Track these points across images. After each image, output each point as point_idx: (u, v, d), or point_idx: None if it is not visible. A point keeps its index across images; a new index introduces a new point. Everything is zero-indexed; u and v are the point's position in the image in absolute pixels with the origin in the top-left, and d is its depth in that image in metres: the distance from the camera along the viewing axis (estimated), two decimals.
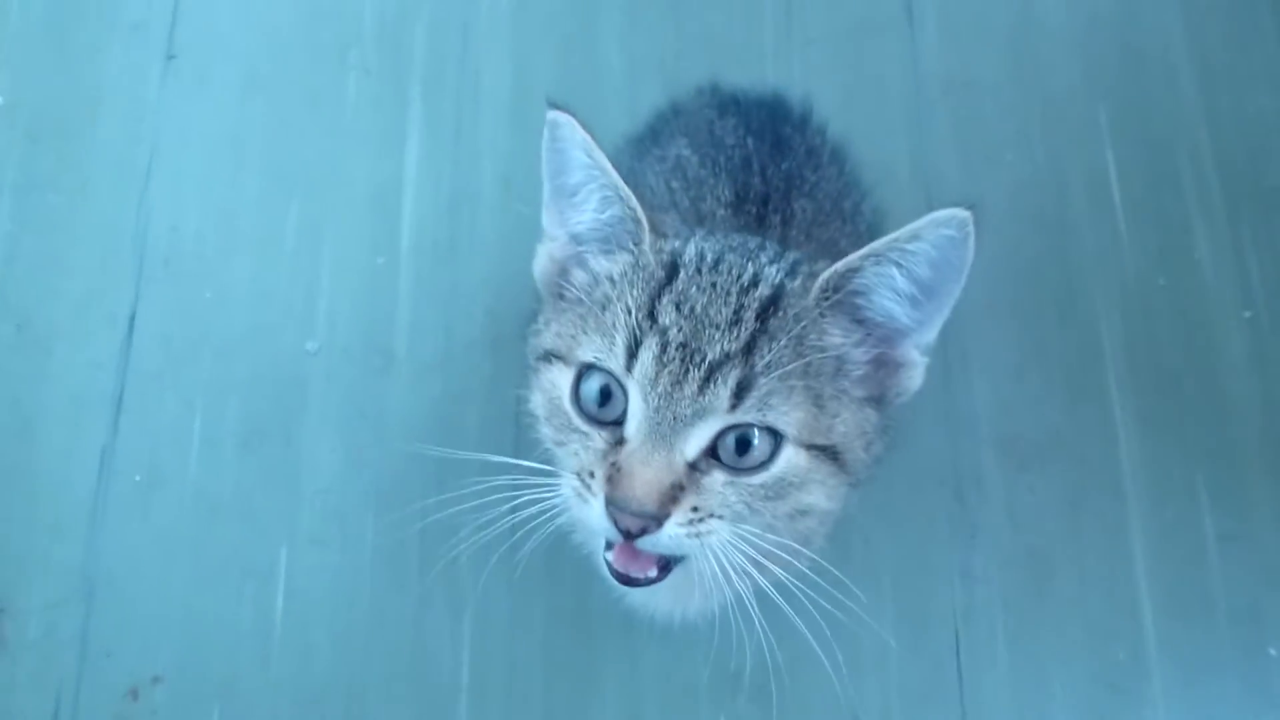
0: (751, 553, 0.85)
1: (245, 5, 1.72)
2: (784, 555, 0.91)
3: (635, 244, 0.90)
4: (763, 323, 0.83)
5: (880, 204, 1.32)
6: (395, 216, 1.60)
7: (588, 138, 0.87)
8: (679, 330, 0.83)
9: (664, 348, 0.82)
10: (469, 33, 1.70)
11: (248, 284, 1.56)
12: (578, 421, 0.87)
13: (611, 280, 0.89)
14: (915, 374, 0.90)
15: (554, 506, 0.90)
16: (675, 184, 1.17)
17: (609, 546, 0.90)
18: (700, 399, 0.81)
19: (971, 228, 0.81)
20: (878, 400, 0.90)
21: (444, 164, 1.63)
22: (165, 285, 1.56)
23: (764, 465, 0.84)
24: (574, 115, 0.88)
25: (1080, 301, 1.61)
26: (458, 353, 1.53)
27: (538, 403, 0.92)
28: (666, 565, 0.89)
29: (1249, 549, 1.50)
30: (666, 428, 0.82)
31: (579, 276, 0.93)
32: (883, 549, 1.47)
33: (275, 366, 1.52)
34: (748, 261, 0.88)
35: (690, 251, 0.88)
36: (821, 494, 0.88)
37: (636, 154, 1.28)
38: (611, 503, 0.82)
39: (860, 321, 0.87)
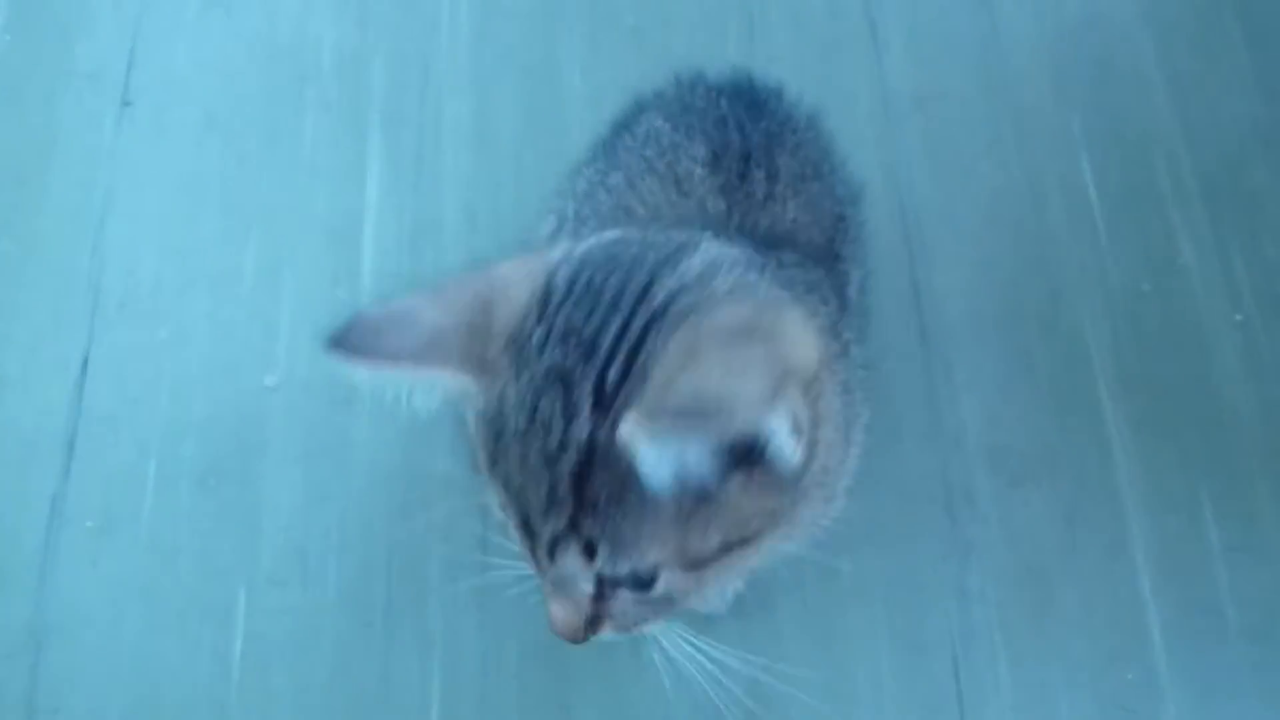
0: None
1: (202, 48, 1.70)
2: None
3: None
4: (579, 495, 0.74)
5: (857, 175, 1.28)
6: (356, 249, 1.56)
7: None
8: (514, 512, 0.79)
9: (515, 526, 0.80)
10: (429, 65, 1.68)
11: (205, 322, 1.52)
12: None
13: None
14: (781, 447, 0.74)
15: None
16: (649, 153, 1.12)
17: None
18: (558, 566, 0.79)
19: None
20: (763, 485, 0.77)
21: (405, 195, 1.60)
22: (120, 328, 1.51)
23: (652, 587, 0.80)
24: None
25: (1064, 311, 1.57)
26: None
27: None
28: None
29: (1258, 560, 1.43)
30: (550, 584, 0.82)
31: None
32: (872, 570, 1.41)
33: (234, 404, 1.47)
34: (554, 413, 0.75)
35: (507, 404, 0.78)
36: (750, 561, 0.85)
37: (606, 151, 1.24)
38: (550, 624, 0.85)
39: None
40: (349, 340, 0.77)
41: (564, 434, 0.73)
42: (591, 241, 0.84)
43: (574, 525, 0.75)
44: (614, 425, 0.71)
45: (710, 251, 0.82)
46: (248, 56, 1.69)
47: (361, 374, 0.79)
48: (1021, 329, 1.55)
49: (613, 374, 0.73)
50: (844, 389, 0.95)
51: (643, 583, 0.79)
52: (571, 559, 0.77)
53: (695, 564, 0.78)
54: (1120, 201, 1.63)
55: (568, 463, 0.73)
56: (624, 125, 1.25)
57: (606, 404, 0.73)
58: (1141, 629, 1.41)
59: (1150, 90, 1.70)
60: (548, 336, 0.76)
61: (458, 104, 1.66)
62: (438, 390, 0.81)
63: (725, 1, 1.73)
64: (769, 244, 0.99)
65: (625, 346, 0.74)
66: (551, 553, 0.77)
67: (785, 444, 0.73)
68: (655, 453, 0.68)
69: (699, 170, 1.08)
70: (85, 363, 1.49)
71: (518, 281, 0.81)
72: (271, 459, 1.45)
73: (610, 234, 0.86)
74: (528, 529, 0.78)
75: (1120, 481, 1.47)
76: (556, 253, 0.83)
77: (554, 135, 1.60)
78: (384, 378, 0.79)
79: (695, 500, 0.74)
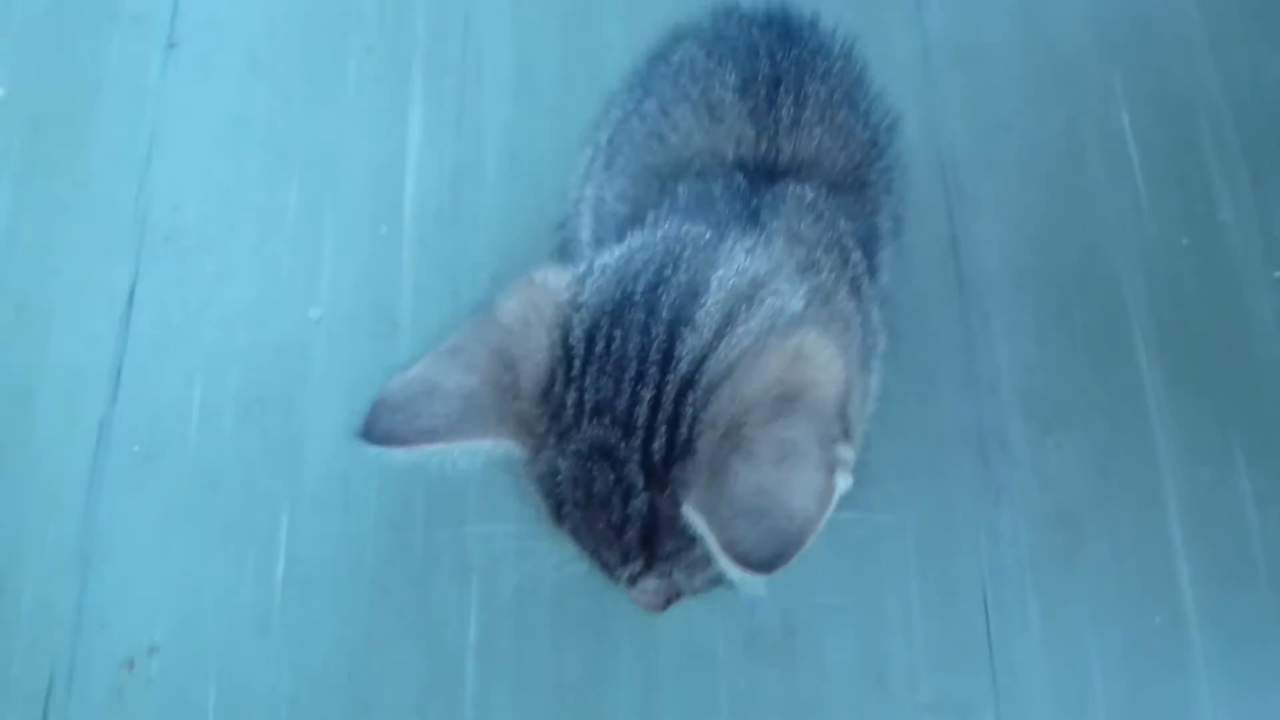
0: None
1: None
2: None
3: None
4: (650, 550, 0.79)
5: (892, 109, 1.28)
6: (398, 188, 1.58)
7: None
8: (589, 556, 0.83)
9: (574, 531, 0.82)
10: (471, 11, 1.70)
11: (249, 256, 1.54)
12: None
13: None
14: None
15: None
16: (683, 80, 1.13)
17: None
18: (627, 566, 0.82)
19: None
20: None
21: (447, 139, 1.61)
22: (166, 261, 1.54)
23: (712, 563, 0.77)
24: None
25: (1101, 264, 1.57)
26: (463, 319, 1.48)
27: None
28: None
29: None
30: (623, 583, 0.85)
31: None
32: (905, 508, 1.42)
33: (277, 335, 1.49)
34: (611, 498, 0.77)
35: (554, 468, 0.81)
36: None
37: (641, 80, 1.25)
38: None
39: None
40: (380, 429, 0.77)
41: (624, 509, 0.77)
42: (596, 277, 0.84)
43: (649, 567, 0.80)
44: (672, 499, 0.74)
45: (726, 282, 0.81)
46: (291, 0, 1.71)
47: (401, 458, 0.78)
48: (1058, 280, 1.56)
49: (657, 449, 0.75)
50: (864, 321, 0.97)
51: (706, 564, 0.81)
52: (650, 584, 0.83)
53: None
54: (1160, 157, 1.63)
55: (633, 530, 0.77)
56: (660, 55, 1.26)
57: (659, 479, 0.75)
58: (1171, 575, 1.41)
59: (1193, 47, 1.70)
60: (580, 406, 0.77)
61: (499, 51, 1.68)
62: (481, 454, 0.81)
63: None
64: (793, 170, 1.03)
65: (663, 420, 0.75)
66: (631, 582, 0.83)
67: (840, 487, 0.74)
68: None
69: (729, 96, 1.09)
70: (132, 295, 1.52)
71: (531, 331, 0.82)
72: (315, 388, 1.47)
73: (612, 259, 0.86)
74: (604, 569, 0.83)
75: (1154, 431, 1.48)
76: (562, 288, 0.85)
77: (593, 82, 1.60)
78: (425, 455, 0.78)
79: None
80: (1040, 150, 1.63)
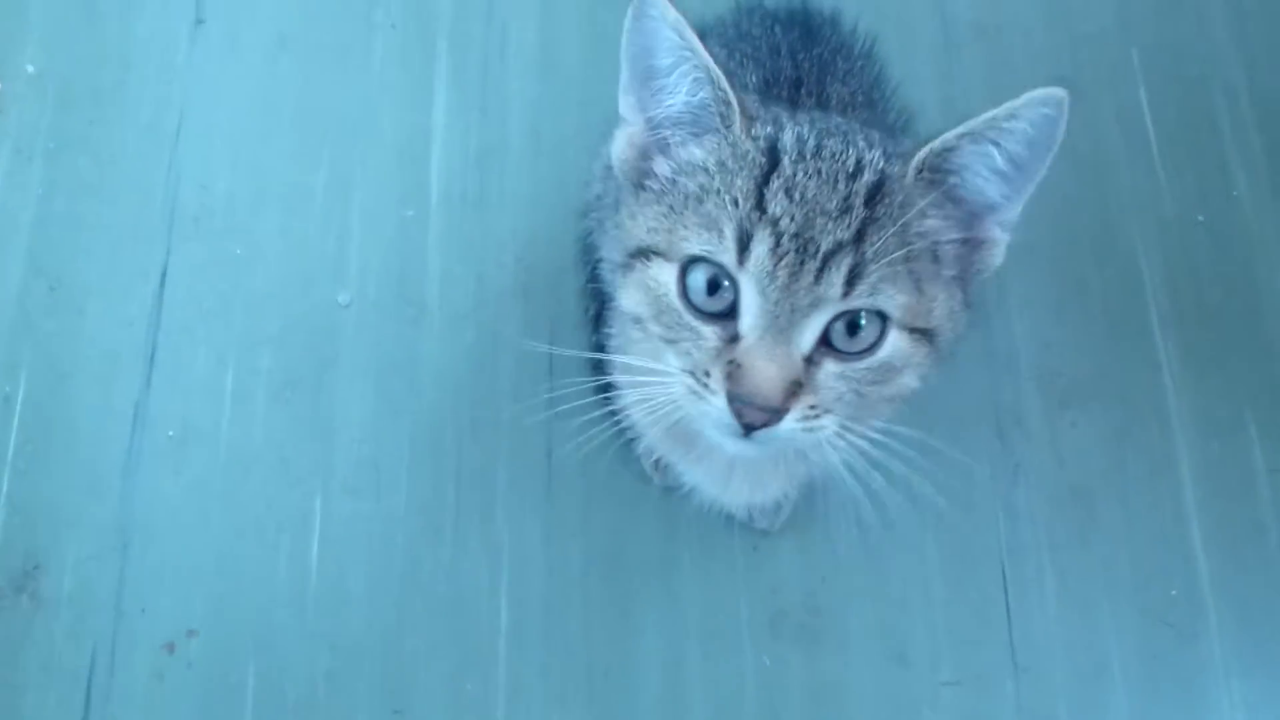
0: (854, 442, 0.86)
1: None
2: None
3: (726, 126, 0.87)
4: (871, 209, 0.82)
5: (908, 105, 1.30)
6: (424, 169, 1.59)
7: (679, 17, 0.83)
8: (791, 220, 0.81)
9: (778, 239, 0.81)
10: None
11: (278, 238, 1.55)
12: (688, 318, 0.85)
13: (705, 170, 0.86)
14: (998, 251, 0.91)
15: (665, 404, 0.88)
16: None
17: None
18: (816, 289, 0.80)
19: (1066, 107, 0.80)
20: (962, 279, 0.90)
21: (472, 117, 1.62)
22: (196, 242, 1.55)
23: (871, 349, 0.84)
24: None
25: (1118, 240, 1.59)
26: (489, 301, 1.52)
27: (635, 301, 0.88)
28: None
29: None
30: (784, 320, 0.81)
31: (662, 166, 0.90)
32: (923, 487, 1.44)
33: (307, 319, 1.51)
34: (848, 147, 0.86)
35: (788, 137, 0.86)
36: (916, 376, 0.87)
37: None
38: (735, 399, 0.81)
39: (952, 200, 0.87)
40: None
41: (858, 161, 0.84)
42: None
43: (859, 237, 0.81)
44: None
45: None
46: None
47: (667, 18, 0.83)
48: (1075, 256, 1.58)
49: None
50: None
51: (863, 341, 0.83)
52: (834, 281, 0.80)
53: (913, 330, 0.84)
54: (1177, 133, 1.64)
55: (864, 182, 0.83)
56: None
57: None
58: (1185, 547, 1.45)
59: (1210, 22, 1.71)
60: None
61: (523, 29, 1.68)
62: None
63: None
64: None
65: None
66: (820, 272, 0.80)
67: (1003, 239, 0.90)
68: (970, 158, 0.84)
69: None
70: (163, 276, 1.53)
71: None
72: (344, 373, 1.49)
73: None
74: (801, 246, 0.81)
75: (1168, 405, 1.51)
76: None
77: (617, 62, 1.61)
78: (667, 45, 0.85)
79: (933, 261, 0.86)
80: None
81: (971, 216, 0.88)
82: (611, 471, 1.43)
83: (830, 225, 0.81)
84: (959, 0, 1.71)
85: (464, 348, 1.51)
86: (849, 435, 0.85)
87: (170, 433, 1.46)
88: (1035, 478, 1.47)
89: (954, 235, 0.88)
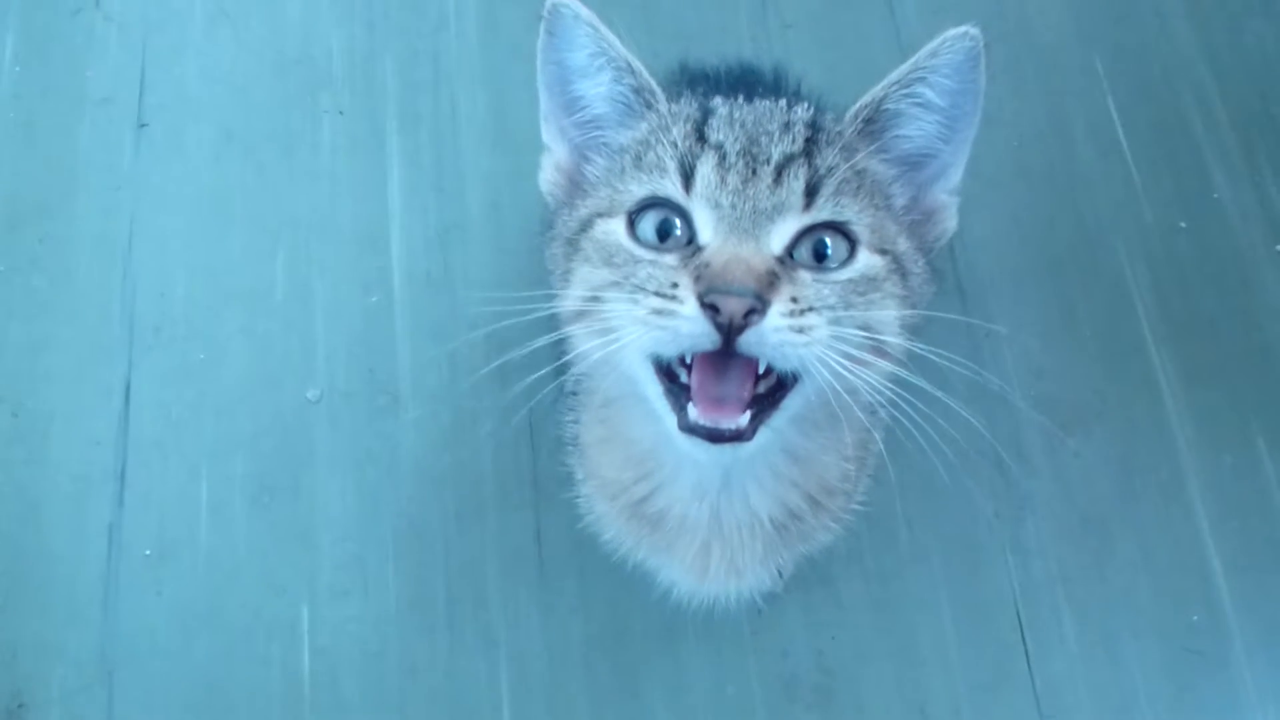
0: (851, 352, 0.78)
1: (211, 63, 1.68)
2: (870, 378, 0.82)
3: (651, 108, 0.89)
4: (813, 132, 0.85)
5: None
6: (385, 253, 1.56)
7: (593, 14, 0.85)
8: (734, 140, 0.83)
9: (723, 157, 0.82)
10: (439, 61, 1.66)
11: (241, 339, 1.51)
12: (641, 252, 0.82)
13: (640, 141, 0.88)
14: (949, 214, 0.93)
15: (628, 344, 0.80)
16: None
17: (684, 415, 0.80)
18: (775, 193, 0.81)
19: (982, 46, 0.85)
20: (922, 247, 0.90)
21: (428, 195, 1.59)
22: (158, 352, 1.51)
23: (845, 264, 0.82)
24: None
25: (1101, 254, 1.55)
26: (463, 382, 1.48)
27: (589, 271, 0.85)
28: (757, 414, 0.80)
29: None
30: (747, 221, 0.80)
31: (597, 165, 0.91)
32: (927, 532, 1.41)
33: (278, 419, 1.47)
34: (777, 100, 0.89)
35: (717, 99, 0.89)
36: (894, 312, 0.84)
37: None
38: (710, 290, 0.75)
39: (895, 154, 0.89)
40: None
41: (789, 104, 0.88)
42: None
43: (807, 153, 0.83)
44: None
45: None
46: (258, 68, 1.68)
47: (581, 16, 0.86)
48: (1060, 277, 1.54)
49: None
50: None
51: (836, 258, 0.82)
52: (793, 188, 0.81)
53: (883, 252, 0.84)
54: (1149, 138, 1.61)
55: (800, 116, 0.86)
56: None
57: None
58: (1204, 570, 1.40)
59: (1170, 19, 1.68)
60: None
61: (471, 100, 1.65)
62: None
63: None
64: None
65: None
66: (776, 179, 0.81)
67: (952, 203, 0.92)
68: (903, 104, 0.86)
69: None
70: (128, 390, 1.49)
71: None
72: (321, 471, 1.45)
73: None
74: (750, 158, 0.82)
75: (1172, 423, 1.46)
76: None
77: None
78: (584, 44, 0.87)
79: (886, 201, 0.88)
80: (1028, 143, 1.61)
81: (917, 175, 0.90)
82: (606, 547, 1.38)
83: (776, 139, 0.83)
84: (912, 22, 1.68)
85: (441, 432, 1.47)
86: (844, 357, 0.78)
87: (147, 551, 1.42)
88: (1043, 512, 1.43)
89: (903, 192, 0.90)
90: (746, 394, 0.79)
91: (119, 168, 1.63)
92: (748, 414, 0.78)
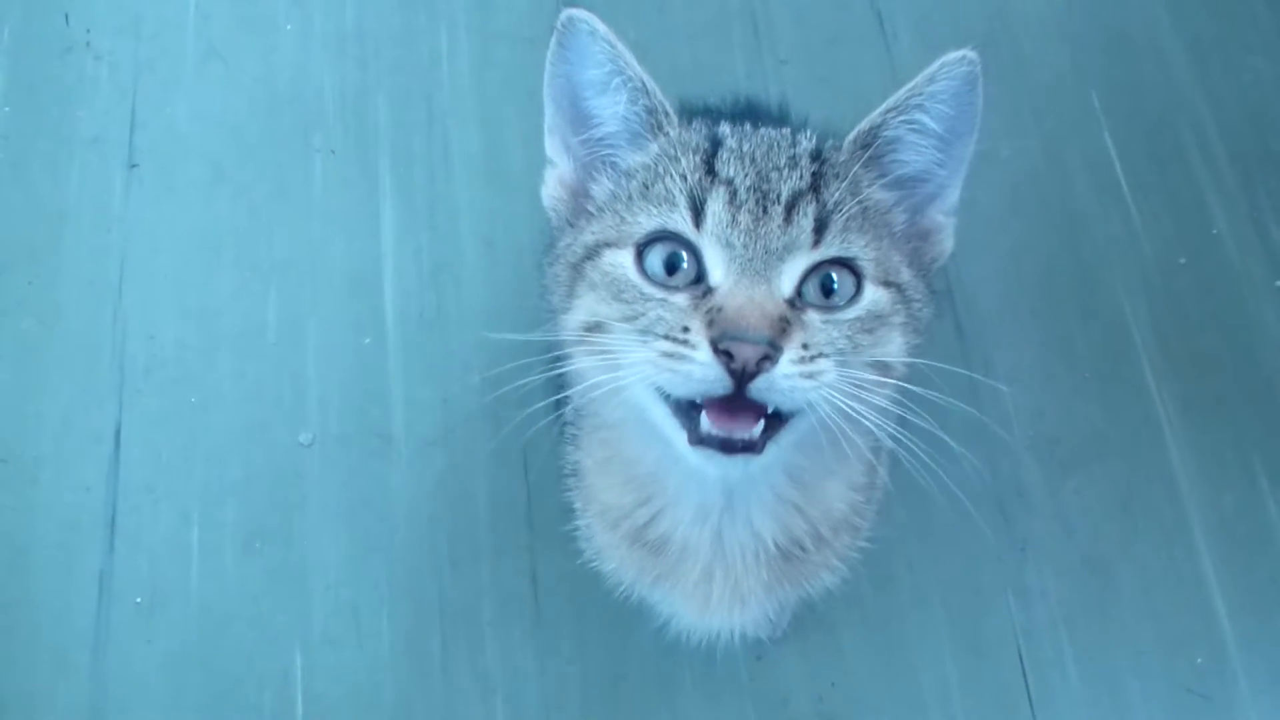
0: (856, 393, 0.79)
1: (202, 103, 1.67)
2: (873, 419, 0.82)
3: (663, 132, 0.88)
4: (818, 165, 0.85)
5: None
6: (377, 293, 1.54)
7: (609, 30, 0.84)
8: (745, 177, 0.82)
9: (733, 194, 0.82)
10: (432, 99, 1.65)
11: (232, 382, 1.50)
12: (651, 290, 0.81)
13: (647, 167, 0.87)
14: (946, 236, 0.93)
15: (636, 381, 0.80)
16: None
17: (695, 428, 0.80)
18: (786, 232, 0.81)
19: (979, 68, 0.84)
20: (920, 269, 0.91)
21: (421, 234, 1.58)
22: (149, 395, 1.50)
23: (852, 301, 0.83)
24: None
25: (1100, 292, 1.54)
26: (457, 425, 1.46)
27: (594, 300, 0.84)
28: (767, 428, 0.80)
29: None
30: (759, 262, 0.80)
31: (603, 185, 0.90)
32: (928, 573, 1.39)
33: (270, 463, 1.45)
34: (781, 129, 0.89)
35: (725, 127, 0.89)
36: (899, 342, 0.85)
37: None
38: (724, 336, 0.75)
39: (893, 179, 0.89)
40: None
41: (794, 133, 0.88)
42: None
43: (815, 187, 0.83)
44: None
45: None
46: (249, 107, 1.66)
47: (598, 33, 0.84)
48: (1059, 315, 1.53)
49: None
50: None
51: (843, 295, 0.83)
52: (803, 226, 0.81)
53: (887, 284, 0.84)
54: (1148, 174, 1.60)
55: (805, 148, 0.86)
56: None
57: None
58: (1208, 610, 1.39)
59: (1168, 56, 1.67)
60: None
61: (465, 135, 1.64)
62: None
63: (727, 6, 1.70)
64: None
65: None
66: (787, 216, 0.81)
67: (948, 224, 0.92)
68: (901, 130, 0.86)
69: None
70: (118, 435, 1.47)
71: None
72: (313, 516, 1.43)
73: None
74: (761, 195, 0.82)
75: (1172, 462, 1.45)
76: None
77: None
78: (599, 60, 0.85)
79: (888, 229, 0.88)
80: (1025, 180, 1.60)
81: (914, 197, 0.90)
82: (602, 589, 1.36)
83: (785, 175, 0.83)
84: (908, 58, 1.67)
85: (435, 476, 1.45)
86: (850, 397, 0.79)
87: (138, 599, 1.40)
88: (1044, 552, 1.41)
89: (901, 216, 0.90)
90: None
91: (109, 208, 1.61)
92: (761, 423, 0.78)
